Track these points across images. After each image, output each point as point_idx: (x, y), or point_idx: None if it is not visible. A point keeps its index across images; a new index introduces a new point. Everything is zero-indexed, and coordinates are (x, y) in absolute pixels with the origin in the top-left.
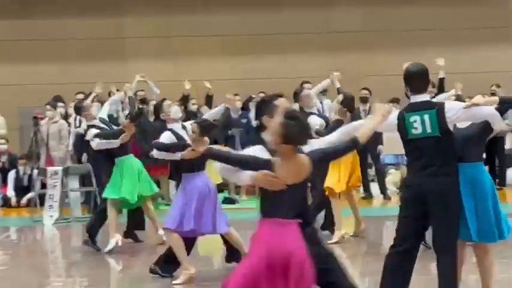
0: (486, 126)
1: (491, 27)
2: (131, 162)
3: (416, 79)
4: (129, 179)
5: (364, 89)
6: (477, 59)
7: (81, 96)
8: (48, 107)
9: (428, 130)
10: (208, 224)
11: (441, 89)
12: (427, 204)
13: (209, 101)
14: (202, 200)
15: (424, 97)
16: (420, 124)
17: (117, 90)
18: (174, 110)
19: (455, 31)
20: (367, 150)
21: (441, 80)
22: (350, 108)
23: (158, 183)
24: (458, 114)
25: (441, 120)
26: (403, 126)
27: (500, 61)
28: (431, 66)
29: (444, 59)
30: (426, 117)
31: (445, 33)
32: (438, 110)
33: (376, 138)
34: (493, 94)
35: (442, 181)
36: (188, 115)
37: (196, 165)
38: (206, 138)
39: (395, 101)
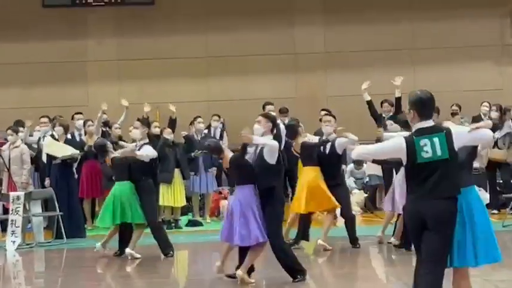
0: (473, 151)
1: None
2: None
3: (427, 106)
4: None
5: (323, 110)
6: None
7: (45, 119)
8: (9, 131)
9: (439, 153)
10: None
11: (398, 108)
12: (427, 224)
13: (172, 124)
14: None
15: (431, 122)
16: (430, 147)
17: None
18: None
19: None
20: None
21: (398, 100)
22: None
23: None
24: (463, 138)
25: (450, 143)
26: (413, 150)
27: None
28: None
29: (402, 78)
30: (436, 140)
31: (405, 52)
32: (446, 134)
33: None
34: (453, 114)
35: (445, 203)
36: (150, 138)
37: None
38: None
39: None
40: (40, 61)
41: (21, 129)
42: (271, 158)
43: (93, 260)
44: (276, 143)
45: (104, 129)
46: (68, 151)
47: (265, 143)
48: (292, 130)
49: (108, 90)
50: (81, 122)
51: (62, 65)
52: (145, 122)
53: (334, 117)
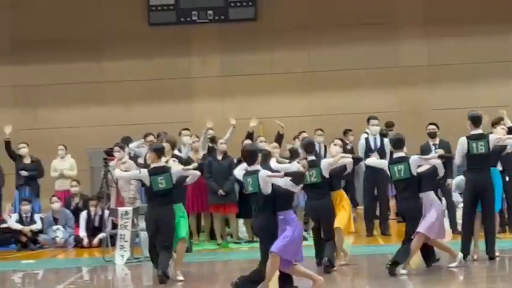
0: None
1: None
2: None
3: (478, 120)
4: None
5: (431, 124)
6: None
7: (151, 137)
8: (116, 148)
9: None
10: None
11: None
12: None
13: (279, 139)
14: None
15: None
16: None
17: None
18: None
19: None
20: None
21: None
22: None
23: (227, 221)
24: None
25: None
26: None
27: None
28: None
29: None
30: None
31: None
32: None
33: (446, 172)
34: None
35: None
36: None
37: None
38: None
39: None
40: (145, 78)
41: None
42: None
43: (199, 274)
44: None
45: (210, 145)
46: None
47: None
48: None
49: (212, 106)
50: (187, 138)
51: (167, 81)
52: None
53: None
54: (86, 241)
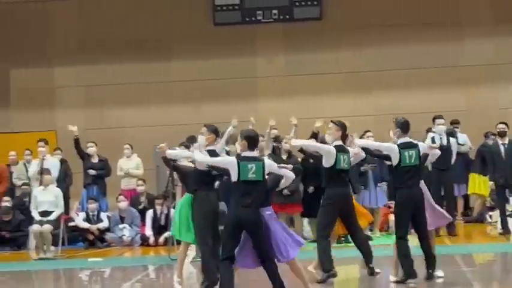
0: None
1: None
2: None
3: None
4: None
5: (502, 123)
6: None
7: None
8: (182, 147)
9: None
10: None
11: None
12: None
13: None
14: None
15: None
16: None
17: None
18: None
19: None
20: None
21: None
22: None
23: (292, 221)
24: None
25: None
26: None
27: None
28: None
29: None
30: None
31: None
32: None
33: None
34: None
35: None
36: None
37: None
38: None
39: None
40: (211, 78)
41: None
42: None
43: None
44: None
45: (274, 144)
46: None
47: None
48: (409, 125)
49: (276, 106)
50: None
51: (232, 81)
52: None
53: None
54: (152, 239)
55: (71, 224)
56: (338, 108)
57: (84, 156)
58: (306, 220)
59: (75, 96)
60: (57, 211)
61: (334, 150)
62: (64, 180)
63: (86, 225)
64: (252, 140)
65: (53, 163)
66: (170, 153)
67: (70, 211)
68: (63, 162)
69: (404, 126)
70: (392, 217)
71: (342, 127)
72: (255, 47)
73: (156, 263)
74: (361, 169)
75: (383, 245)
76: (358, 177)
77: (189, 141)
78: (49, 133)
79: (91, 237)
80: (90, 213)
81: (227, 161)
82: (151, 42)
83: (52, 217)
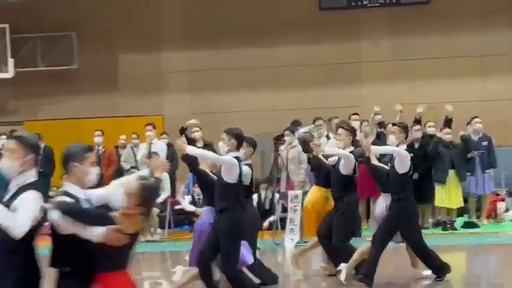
0: None
1: None
2: None
3: None
4: None
5: None
6: None
7: (320, 122)
8: (287, 132)
9: None
10: None
11: None
12: None
13: (448, 124)
14: None
15: None
16: None
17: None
18: None
19: None
20: None
21: None
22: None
23: None
24: None
25: None
26: None
27: None
28: None
29: None
30: None
31: None
32: None
33: None
34: None
35: None
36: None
37: None
38: None
39: None
40: (316, 63)
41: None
42: None
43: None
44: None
45: (379, 130)
46: None
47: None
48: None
49: (381, 91)
50: (357, 123)
51: (337, 66)
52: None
53: None
54: None
55: (177, 207)
56: (444, 94)
57: (190, 141)
58: None
59: (182, 81)
60: (164, 194)
61: (352, 157)
62: (171, 164)
63: (191, 208)
64: (240, 140)
65: (160, 147)
66: (193, 151)
67: (176, 194)
68: (169, 146)
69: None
70: (500, 204)
71: (352, 131)
72: (360, 32)
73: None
74: (468, 156)
75: (490, 232)
76: (465, 164)
77: (294, 126)
78: (156, 117)
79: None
80: (196, 197)
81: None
82: (258, 28)
83: (159, 200)
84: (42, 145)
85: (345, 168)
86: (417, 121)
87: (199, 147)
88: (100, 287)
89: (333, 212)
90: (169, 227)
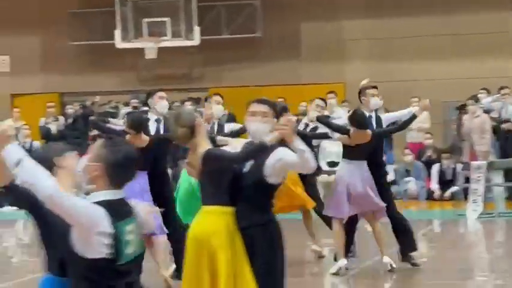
0: None
1: None
2: None
3: None
4: None
5: None
6: None
7: (507, 91)
8: (470, 101)
9: None
10: None
11: None
12: None
13: None
14: None
15: None
16: None
17: None
18: None
19: None
20: None
21: None
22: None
23: None
24: None
25: None
26: None
27: None
28: None
29: None
30: None
31: None
32: None
33: None
34: None
35: None
36: None
37: None
38: None
39: None
40: (497, 31)
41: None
42: None
43: None
44: None
45: None
46: None
47: None
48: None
49: None
50: None
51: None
52: None
53: None
54: (437, 194)
55: None
56: None
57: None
58: None
59: (364, 49)
60: None
61: None
62: None
63: None
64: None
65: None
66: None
67: None
68: None
69: None
70: None
71: None
72: None
73: (442, 217)
74: None
75: None
76: None
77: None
78: (337, 85)
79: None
80: None
81: None
82: None
83: None
84: None
85: None
86: None
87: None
88: None
89: None
90: None
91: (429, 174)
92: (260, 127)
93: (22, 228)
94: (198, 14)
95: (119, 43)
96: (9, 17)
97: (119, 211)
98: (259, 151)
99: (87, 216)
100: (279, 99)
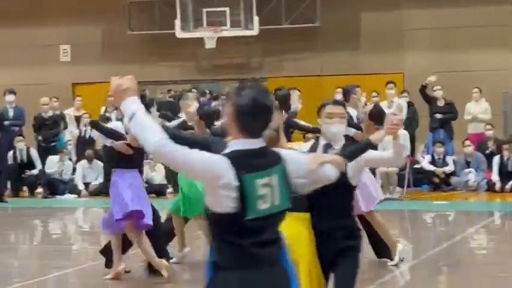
0: None
1: None
2: None
3: None
4: None
5: None
6: None
7: None
8: None
9: None
10: None
11: None
12: None
13: None
14: None
15: None
16: None
17: None
18: None
19: None
20: None
21: None
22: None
23: None
24: None
25: None
26: None
27: None
28: None
29: None
30: None
31: None
32: None
33: None
34: None
35: None
36: None
37: None
38: None
39: None
40: None
41: None
42: None
43: None
44: None
45: None
46: None
47: None
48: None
49: None
50: None
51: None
52: None
53: None
54: (498, 185)
55: (416, 166)
56: None
57: (430, 100)
58: None
59: (424, 39)
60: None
61: None
62: (411, 123)
63: (431, 167)
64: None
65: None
66: None
67: (416, 154)
68: (410, 105)
69: None
70: None
71: None
72: None
73: (502, 209)
74: None
75: None
76: None
77: None
78: (397, 75)
79: (436, 180)
80: (436, 157)
81: None
82: None
83: None
84: None
85: None
86: None
87: (440, 106)
88: None
89: None
90: (408, 186)
91: (489, 166)
92: (341, 129)
93: (82, 215)
94: (257, 4)
95: (179, 33)
96: (70, 6)
97: (249, 162)
98: (365, 150)
99: (205, 169)
100: (338, 89)
